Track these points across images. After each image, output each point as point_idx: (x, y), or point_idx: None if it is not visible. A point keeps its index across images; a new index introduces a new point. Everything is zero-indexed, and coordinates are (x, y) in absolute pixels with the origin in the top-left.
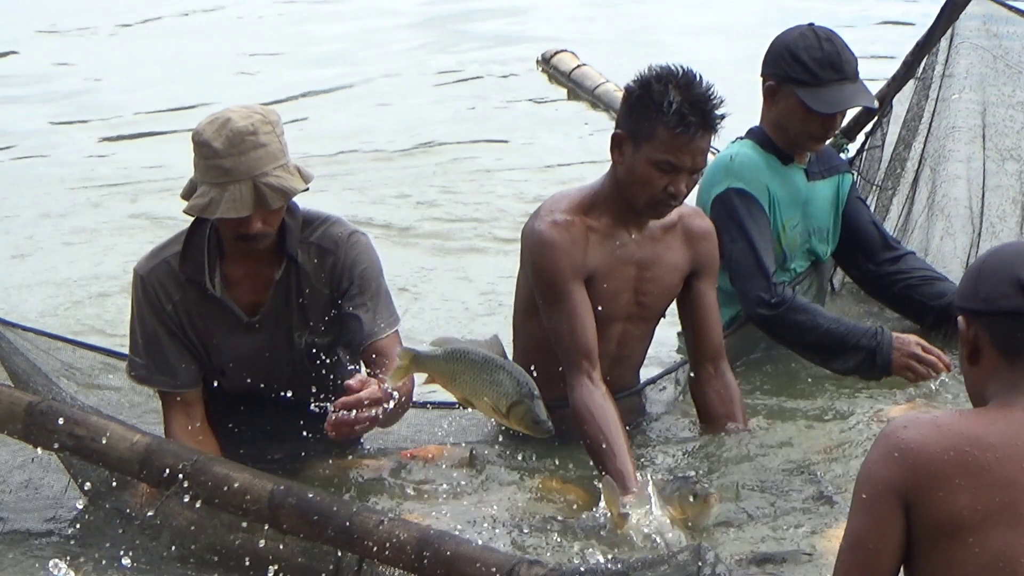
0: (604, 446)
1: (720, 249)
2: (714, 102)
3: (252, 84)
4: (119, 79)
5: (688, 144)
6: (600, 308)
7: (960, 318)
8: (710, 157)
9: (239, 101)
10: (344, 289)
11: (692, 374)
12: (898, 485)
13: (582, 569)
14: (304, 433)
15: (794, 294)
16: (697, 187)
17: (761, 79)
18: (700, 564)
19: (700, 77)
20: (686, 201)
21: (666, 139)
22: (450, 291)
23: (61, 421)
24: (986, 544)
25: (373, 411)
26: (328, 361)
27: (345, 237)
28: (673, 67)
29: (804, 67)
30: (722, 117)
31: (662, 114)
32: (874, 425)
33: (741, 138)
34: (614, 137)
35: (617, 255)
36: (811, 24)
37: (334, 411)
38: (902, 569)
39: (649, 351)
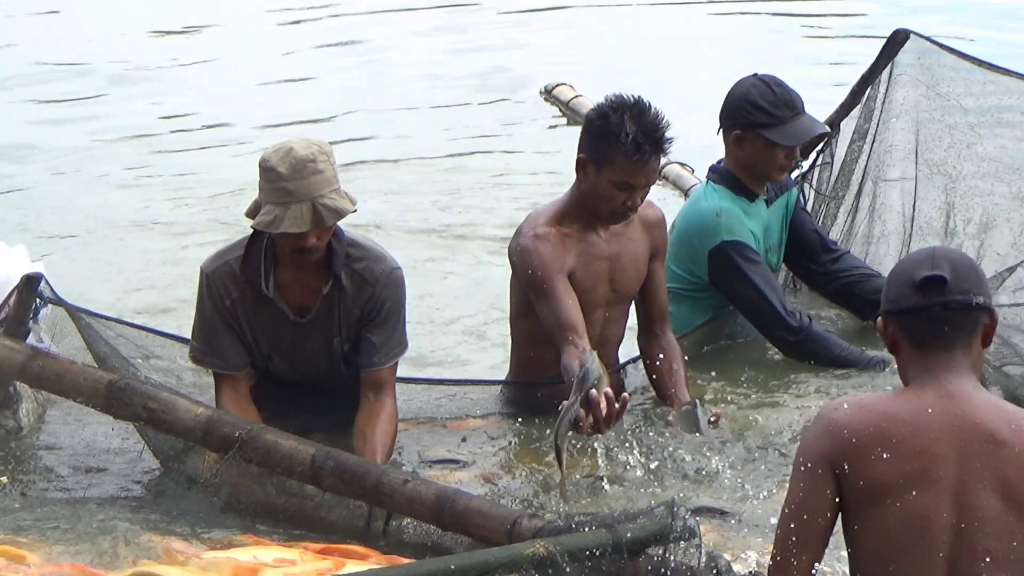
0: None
1: (728, 294)
2: (663, 128)
3: (284, 104)
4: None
5: (643, 167)
6: (582, 299)
7: (880, 318)
8: (683, 200)
9: (274, 118)
10: (371, 318)
11: (641, 332)
12: (828, 456)
13: (574, 522)
14: (339, 412)
15: (810, 323)
16: (682, 221)
17: (723, 131)
18: (673, 517)
19: (650, 105)
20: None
21: (624, 164)
22: (461, 290)
23: (137, 396)
24: (904, 505)
25: None
26: (355, 365)
27: (385, 275)
28: (626, 97)
29: (764, 111)
30: (670, 140)
31: (620, 143)
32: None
33: (714, 178)
34: (579, 160)
35: (591, 253)
36: (755, 74)
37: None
38: (841, 529)
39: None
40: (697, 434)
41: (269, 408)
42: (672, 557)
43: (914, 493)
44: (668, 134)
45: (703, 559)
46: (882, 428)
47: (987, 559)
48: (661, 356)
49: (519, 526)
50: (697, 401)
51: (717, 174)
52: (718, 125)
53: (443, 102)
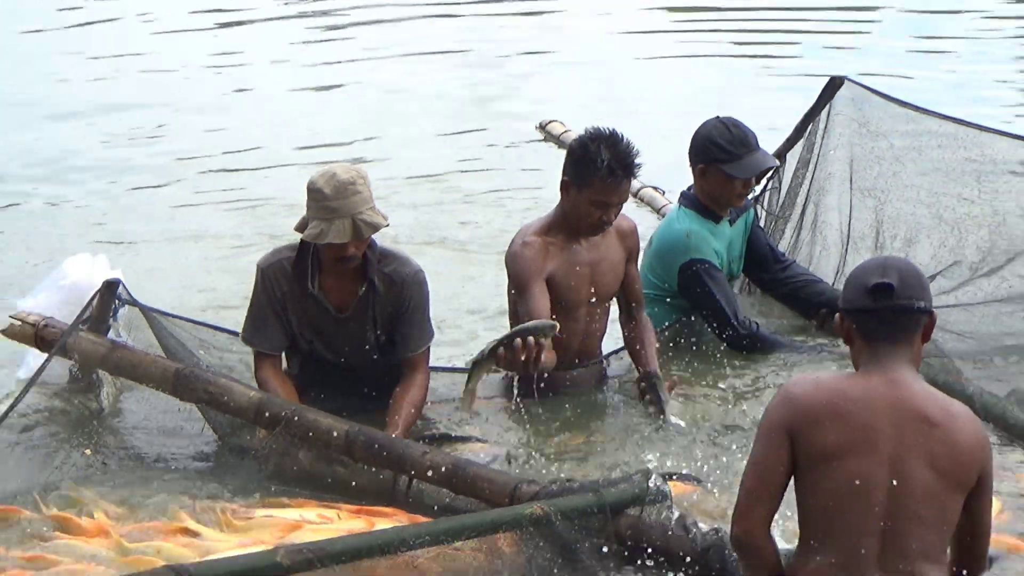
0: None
1: (693, 302)
2: (633, 156)
3: (315, 131)
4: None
5: (616, 188)
6: (567, 299)
7: (837, 315)
8: (656, 219)
9: (308, 140)
10: (401, 313)
11: (622, 313)
12: (786, 423)
13: (566, 487)
14: (371, 392)
15: (757, 328)
16: (658, 239)
17: (691, 165)
18: (648, 483)
19: (623, 136)
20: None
21: (599, 186)
22: (472, 291)
23: (199, 382)
24: (846, 468)
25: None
26: (387, 352)
27: (411, 276)
28: (603, 129)
29: (723, 149)
30: (639, 165)
31: (597, 169)
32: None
33: (684, 203)
34: (562, 182)
35: (573, 260)
36: (718, 116)
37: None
38: (793, 488)
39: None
40: (661, 400)
41: (313, 391)
42: (647, 516)
43: (856, 459)
44: (637, 160)
45: (673, 518)
46: (833, 402)
47: (916, 520)
48: (635, 332)
49: (519, 490)
50: (659, 374)
51: (687, 199)
52: (688, 158)
53: (449, 130)
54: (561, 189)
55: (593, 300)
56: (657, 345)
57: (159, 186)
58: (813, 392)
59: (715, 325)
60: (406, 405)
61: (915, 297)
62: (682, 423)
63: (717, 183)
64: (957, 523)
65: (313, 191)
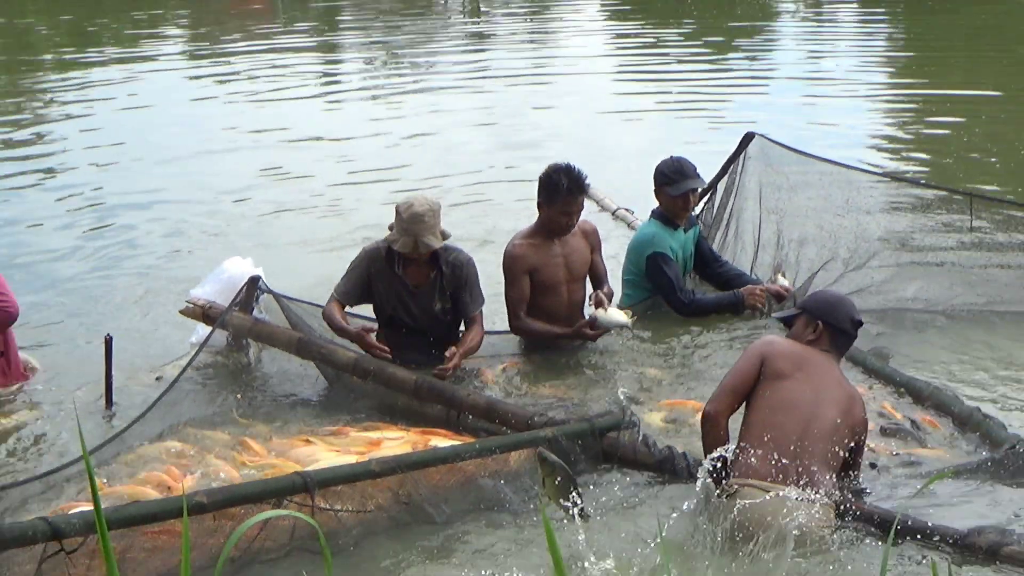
0: (549, 331)
1: (653, 281)
2: (583, 180)
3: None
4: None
5: (574, 202)
6: (550, 280)
7: (810, 319)
8: (628, 231)
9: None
10: (461, 286)
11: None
12: (760, 352)
13: (568, 418)
14: (434, 350)
15: (694, 295)
16: (634, 240)
17: (654, 189)
18: (625, 416)
19: (576, 168)
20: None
21: (564, 202)
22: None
23: (314, 346)
24: (787, 387)
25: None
26: (449, 319)
27: (467, 261)
28: (561, 163)
29: (666, 176)
30: (588, 185)
31: (560, 191)
32: (735, 349)
33: (653, 216)
34: (538, 203)
35: (551, 254)
36: (672, 155)
37: (443, 366)
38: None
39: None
40: (621, 320)
41: (395, 349)
42: (623, 437)
43: (794, 383)
44: (587, 182)
45: (640, 438)
46: (789, 352)
47: (823, 438)
48: (597, 287)
49: (535, 420)
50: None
51: (655, 213)
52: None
53: (472, 154)
54: (537, 207)
55: (570, 279)
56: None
57: (288, 210)
58: (779, 342)
59: (667, 297)
60: (469, 340)
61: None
62: (623, 319)
63: (665, 200)
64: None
65: (397, 212)
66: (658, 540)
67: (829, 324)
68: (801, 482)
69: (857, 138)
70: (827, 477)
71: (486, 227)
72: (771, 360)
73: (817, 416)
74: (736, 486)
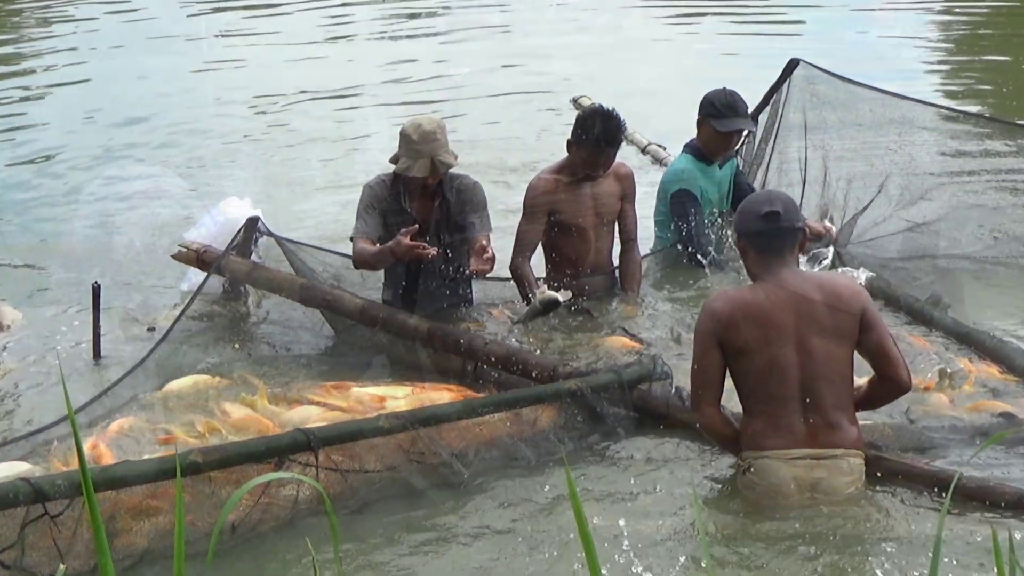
0: (529, 286)
1: (676, 216)
2: (619, 131)
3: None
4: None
5: (600, 155)
6: (577, 223)
7: (736, 236)
8: (660, 169)
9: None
10: (468, 212)
11: (621, 247)
12: (711, 331)
13: (594, 368)
14: (447, 293)
15: (712, 239)
16: (664, 175)
17: (698, 119)
18: (656, 366)
19: (617, 115)
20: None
21: (590, 152)
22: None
23: (318, 292)
24: (764, 357)
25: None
26: (458, 250)
27: (472, 185)
28: (604, 107)
29: (716, 108)
30: (623, 137)
31: (589, 138)
32: None
33: (686, 150)
34: (569, 142)
35: (579, 193)
36: (724, 87)
37: (472, 269)
38: (728, 376)
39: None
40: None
41: (405, 295)
42: (654, 389)
43: (769, 348)
44: (620, 136)
45: (673, 391)
46: (743, 309)
47: (824, 380)
48: (623, 267)
49: (559, 371)
50: (634, 295)
51: (688, 147)
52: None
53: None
54: (568, 146)
55: (598, 223)
56: (640, 277)
57: (287, 146)
58: (727, 304)
59: (689, 236)
60: (477, 262)
61: (795, 219)
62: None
63: (708, 134)
64: (868, 359)
65: (404, 136)
66: (692, 503)
67: (743, 236)
68: (817, 440)
69: (910, 67)
70: (845, 422)
71: (511, 163)
72: (726, 336)
73: (808, 363)
74: (749, 460)
